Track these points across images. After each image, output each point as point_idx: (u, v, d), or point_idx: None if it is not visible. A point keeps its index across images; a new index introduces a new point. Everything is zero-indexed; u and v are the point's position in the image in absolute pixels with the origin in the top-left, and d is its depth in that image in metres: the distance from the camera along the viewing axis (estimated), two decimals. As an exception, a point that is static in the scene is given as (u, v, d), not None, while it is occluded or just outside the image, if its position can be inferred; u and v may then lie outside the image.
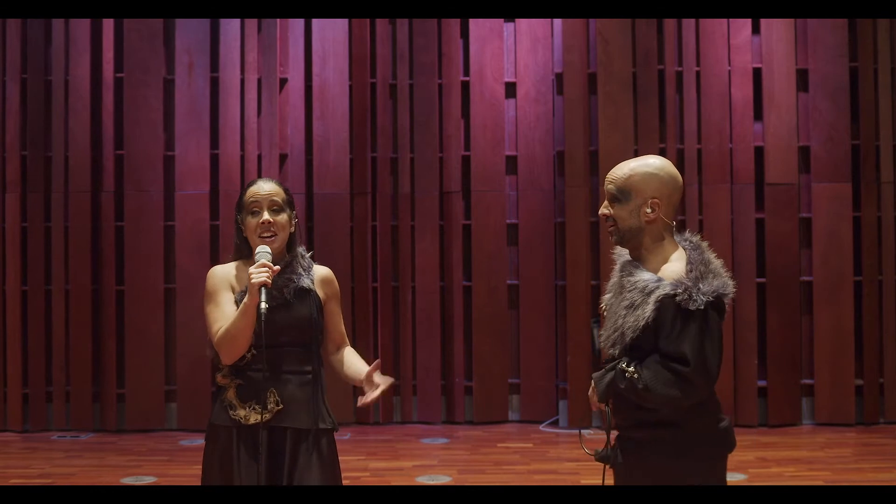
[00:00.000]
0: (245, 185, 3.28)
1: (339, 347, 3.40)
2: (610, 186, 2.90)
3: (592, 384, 2.91)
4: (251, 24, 7.52)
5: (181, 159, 7.48)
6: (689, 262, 2.81)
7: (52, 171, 7.42)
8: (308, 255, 3.36)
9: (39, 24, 7.44)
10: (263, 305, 3.03)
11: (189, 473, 6.00)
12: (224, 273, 3.28)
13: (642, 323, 2.75)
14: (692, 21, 7.47)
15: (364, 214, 7.54)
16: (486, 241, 7.63)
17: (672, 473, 2.81)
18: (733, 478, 5.78)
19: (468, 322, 7.65)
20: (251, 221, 3.22)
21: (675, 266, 2.83)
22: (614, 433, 2.97)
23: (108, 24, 7.44)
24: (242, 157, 7.51)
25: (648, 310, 2.75)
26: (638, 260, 2.90)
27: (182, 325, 7.41)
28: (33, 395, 7.39)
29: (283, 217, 3.23)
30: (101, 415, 7.43)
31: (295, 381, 3.20)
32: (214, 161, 7.53)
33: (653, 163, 2.90)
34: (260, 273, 3.07)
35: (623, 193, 2.87)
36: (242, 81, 7.52)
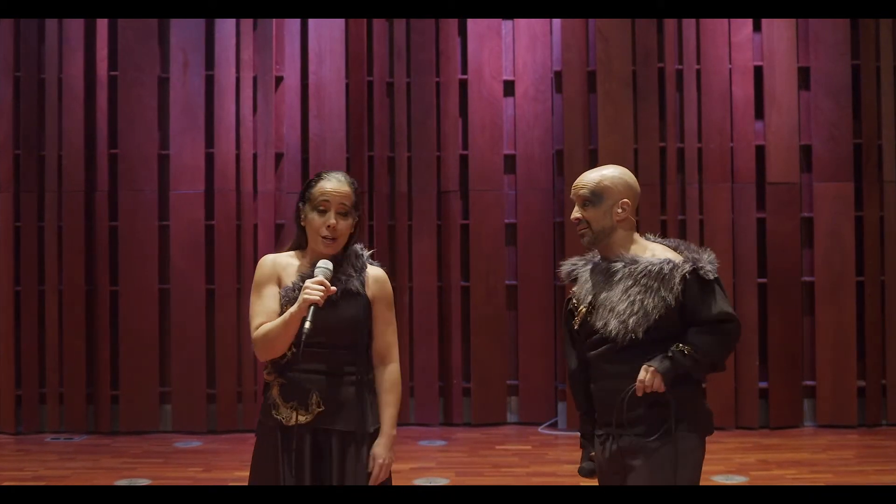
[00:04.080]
0: (315, 175, 3.17)
1: (384, 362, 3.18)
2: (583, 191, 3.13)
3: (649, 371, 3.00)
4: (246, 21, 7.45)
5: (176, 158, 7.42)
6: (678, 246, 3.13)
7: (46, 171, 7.36)
8: (368, 253, 3.24)
9: (33, 21, 7.37)
10: (307, 325, 2.94)
11: (184, 476, 5.93)
12: (273, 264, 3.17)
13: (672, 301, 2.99)
14: (692, 19, 7.41)
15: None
16: (484, 240, 7.56)
17: (662, 451, 3.00)
18: (734, 480, 5.73)
19: (466, 323, 7.58)
20: (316, 219, 3.10)
21: (663, 251, 3.11)
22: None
23: (102, 22, 7.37)
24: (238, 157, 7.44)
25: (676, 287, 3.00)
26: (611, 258, 3.12)
27: (177, 326, 7.35)
28: (26, 397, 7.32)
29: (346, 223, 3.12)
30: (95, 417, 7.36)
31: (339, 383, 3.08)
32: (209, 160, 7.46)
33: (618, 168, 3.18)
34: (315, 291, 2.96)
35: (596, 196, 3.11)
36: (238, 80, 7.45)
